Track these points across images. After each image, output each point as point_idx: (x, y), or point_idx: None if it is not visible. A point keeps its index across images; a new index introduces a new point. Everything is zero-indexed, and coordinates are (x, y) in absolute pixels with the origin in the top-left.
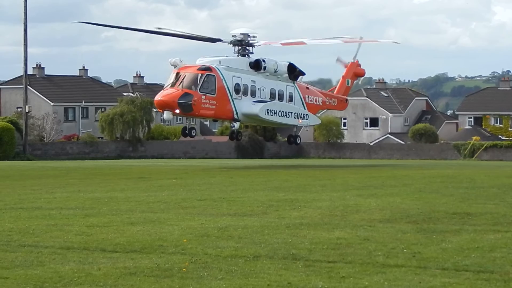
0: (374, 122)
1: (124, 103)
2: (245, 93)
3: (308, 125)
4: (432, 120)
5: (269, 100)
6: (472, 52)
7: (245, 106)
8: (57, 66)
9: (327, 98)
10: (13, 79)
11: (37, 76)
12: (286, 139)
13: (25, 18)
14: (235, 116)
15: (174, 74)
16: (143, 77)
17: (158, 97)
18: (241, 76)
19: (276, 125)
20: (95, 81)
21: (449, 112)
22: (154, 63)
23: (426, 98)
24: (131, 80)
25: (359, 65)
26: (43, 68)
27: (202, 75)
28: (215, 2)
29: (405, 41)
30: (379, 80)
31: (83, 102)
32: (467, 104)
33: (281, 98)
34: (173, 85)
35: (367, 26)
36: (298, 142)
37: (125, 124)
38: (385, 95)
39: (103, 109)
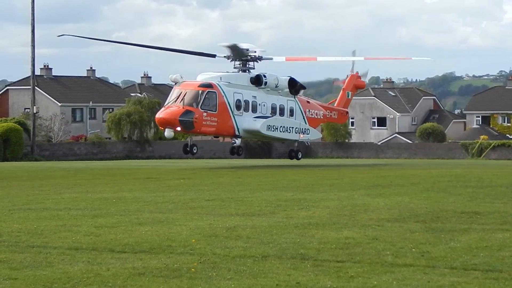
0: (381, 121)
1: (132, 104)
2: (246, 109)
3: (309, 140)
4: (440, 119)
5: (270, 115)
6: (480, 51)
7: (246, 122)
8: (66, 67)
9: (328, 111)
10: (20, 80)
11: (45, 77)
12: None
13: (33, 19)
14: (237, 132)
15: (175, 91)
16: (150, 77)
17: (159, 115)
18: (242, 92)
19: (278, 140)
20: (103, 81)
21: (456, 111)
22: (163, 63)
23: (434, 97)
24: (138, 81)
25: (359, 77)
26: (51, 68)
27: (203, 92)
28: (227, 2)
29: (415, 40)
30: (387, 79)
31: (90, 102)
32: (475, 103)
33: (282, 113)
34: (174, 102)
35: (378, 25)
36: (300, 157)
37: (132, 125)
38: (393, 94)
39: (110, 110)
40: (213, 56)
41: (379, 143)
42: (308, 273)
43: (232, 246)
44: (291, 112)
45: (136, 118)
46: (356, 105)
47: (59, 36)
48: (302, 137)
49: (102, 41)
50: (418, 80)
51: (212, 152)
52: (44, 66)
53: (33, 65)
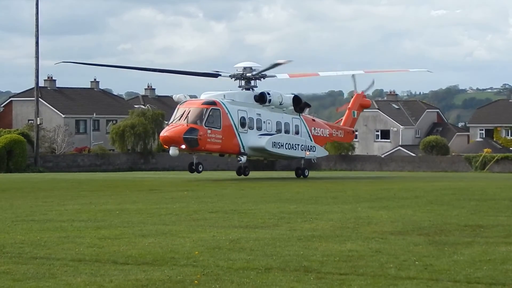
0: (385, 134)
1: (135, 115)
2: (251, 127)
3: (316, 157)
4: (443, 132)
5: (275, 133)
6: (484, 64)
7: (251, 139)
8: (70, 78)
9: (334, 130)
10: (24, 91)
11: (49, 88)
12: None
13: (37, 31)
14: (242, 150)
15: (179, 110)
16: (154, 89)
17: (163, 133)
18: (246, 109)
19: (283, 157)
20: (106, 93)
21: (460, 124)
22: (167, 75)
23: (438, 110)
24: (142, 92)
25: (365, 96)
26: (55, 80)
27: (207, 109)
28: (233, 15)
29: (420, 53)
30: (390, 92)
31: (94, 114)
32: (478, 116)
33: (287, 131)
34: (178, 120)
35: (384, 38)
36: (306, 174)
37: (136, 136)
38: (396, 107)
39: (114, 121)
40: (216, 76)
41: (382, 156)
42: (311, 285)
43: (235, 258)
44: (296, 130)
45: (140, 130)
46: (360, 118)
47: (56, 63)
48: (308, 154)
49: (106, 66)
50: (421, 93)
51: (216, 164)
52: (48, 77)
53: (37, 76)
